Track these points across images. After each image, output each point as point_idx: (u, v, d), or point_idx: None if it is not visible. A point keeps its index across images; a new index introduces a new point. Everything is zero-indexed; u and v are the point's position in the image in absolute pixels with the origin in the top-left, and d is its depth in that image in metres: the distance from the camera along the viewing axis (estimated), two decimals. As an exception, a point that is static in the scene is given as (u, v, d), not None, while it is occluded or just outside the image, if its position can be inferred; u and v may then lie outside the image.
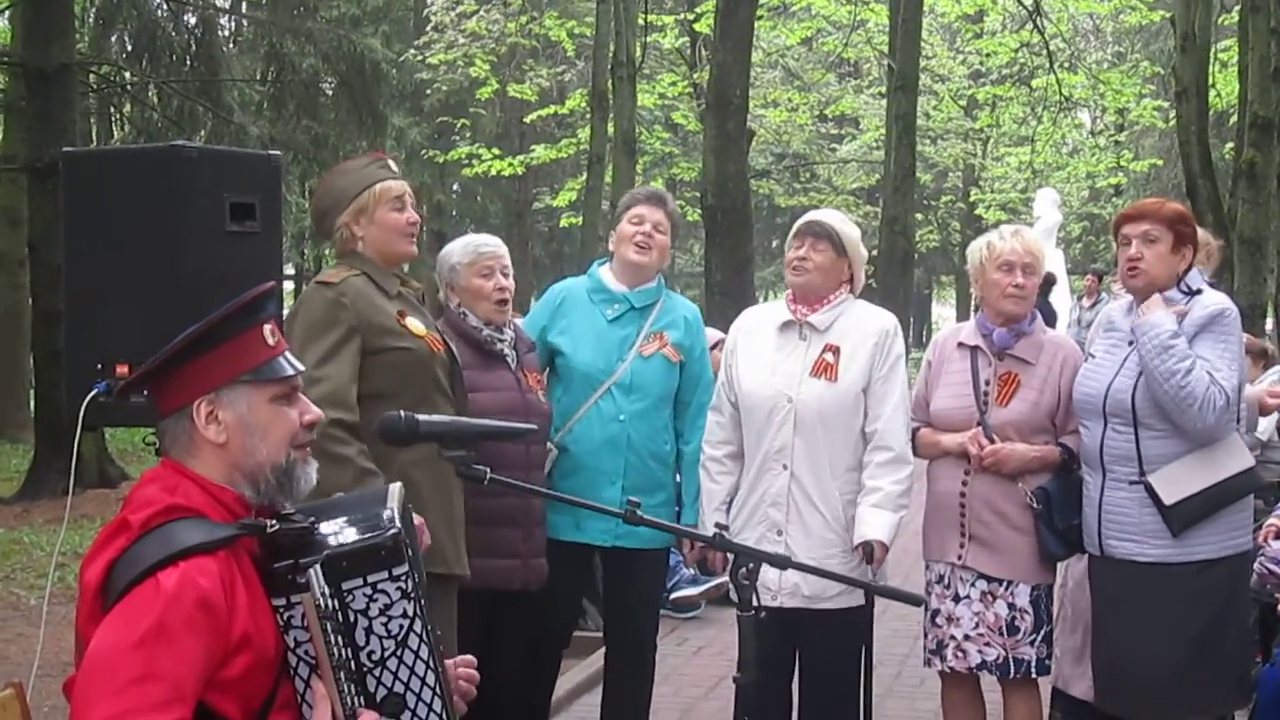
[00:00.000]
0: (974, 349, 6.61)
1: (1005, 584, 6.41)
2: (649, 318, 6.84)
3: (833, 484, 6.31)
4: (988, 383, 6.53)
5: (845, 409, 6.32)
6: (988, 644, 6.43)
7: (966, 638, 6.47)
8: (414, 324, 5.67)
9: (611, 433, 6.65)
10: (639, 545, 6.68)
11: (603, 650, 7.14)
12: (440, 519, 5.60)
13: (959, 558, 6.49)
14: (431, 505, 5.52)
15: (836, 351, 6.35)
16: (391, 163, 5.84)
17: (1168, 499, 5.91)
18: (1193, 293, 6.08)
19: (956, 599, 6.50)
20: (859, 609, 6.31)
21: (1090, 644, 6.39)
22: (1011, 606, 6.40)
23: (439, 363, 5.72)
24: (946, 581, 6.56)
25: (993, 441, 6.39)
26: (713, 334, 8.14)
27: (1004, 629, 6.41)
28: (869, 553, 6.20)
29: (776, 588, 6.20)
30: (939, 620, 6.56)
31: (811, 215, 6.62)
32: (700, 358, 6.99)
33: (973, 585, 6.47)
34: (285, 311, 5.80)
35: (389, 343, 5.54)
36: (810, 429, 6.31)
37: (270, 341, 3.43)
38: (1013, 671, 6.44)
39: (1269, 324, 15.53)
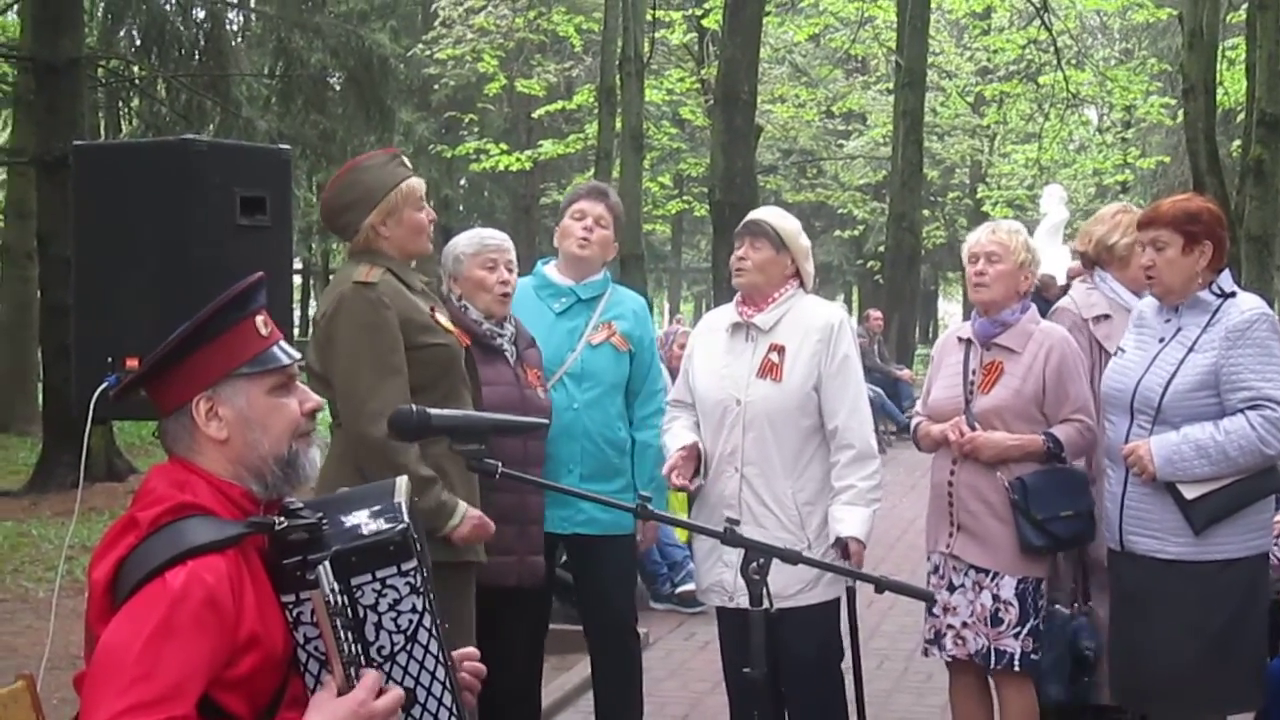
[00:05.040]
0: (968, 341, 6.66)
1: (991, 575, 6.42)
2: (596, 309, 6.89)
3: (785, 484, 6.30)
4: (974, 372, 6.58)
5: (792, 409, 6.31)
6: (976, 633, 6.45)
7: (964, 625, 6.49)
8: (444, 320, 5.73)
9: (566, 421, 6.66)
10: (600, 532, 6.74)
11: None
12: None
13: (948, 546, 6.53)
14: (460, 494, 5.55)
15: (781, 351, 6.35)
16: (405, 159, 5.82)
17: (1189, 494, 5.91)
18: (1226, 295, 6.04)
19: (951, 588, 6.52)
20: (825, 605, 6.35)
21: (1108, 639, 6.38)
22: (996, 598, 6.41)
23: (463, 357, 5.77)
24: (941, 571, 6.59)
25: (974, 429, 6.41)
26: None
27: (988, 619, 6.42)
28: (845, 550, 6.20)
29: (733, 588, 6.20)
30: (935, 610, 6.58)
31: (750, 215, 6.64)
32: (649, 347, 7.07)
33: (965, 574, 6.49)
34: (294, 305, 5.78)
35: (426, 339, 5.56)
36: (759, 430, 6.30)
37: (263, 332, 3.41)
38: (993, 663, 6.45)
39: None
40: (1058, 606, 6.58)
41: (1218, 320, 5.95)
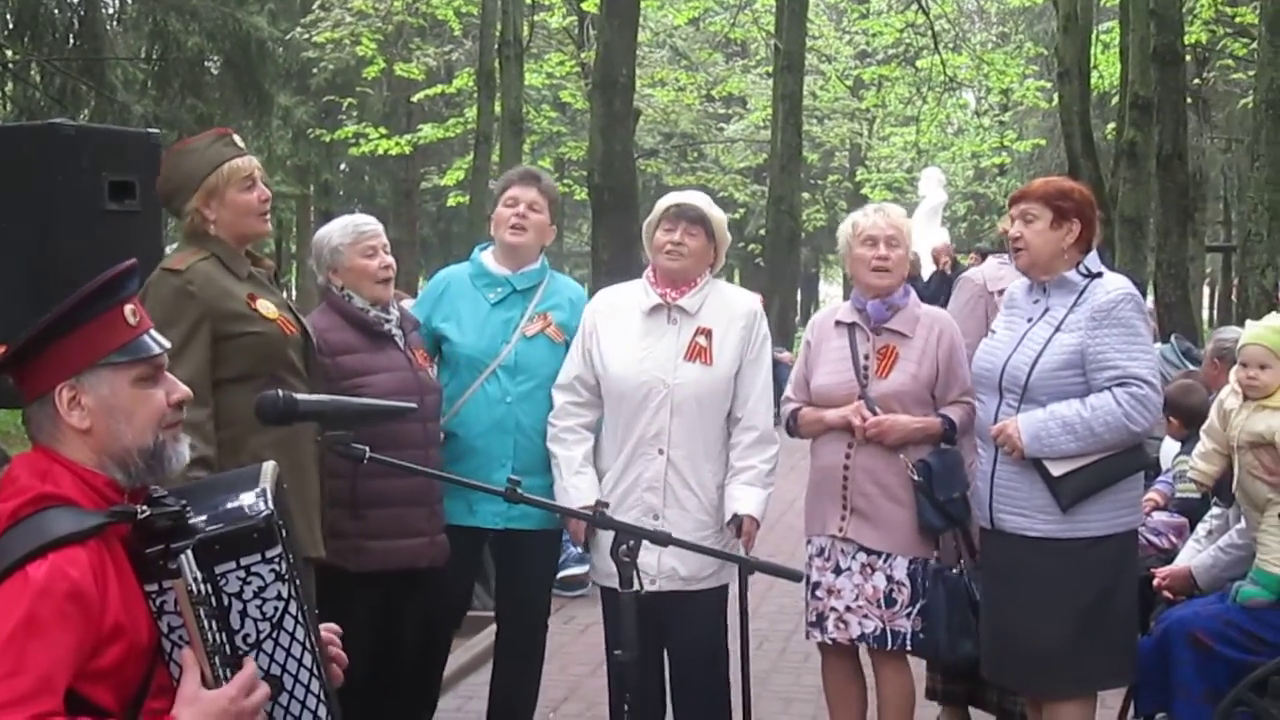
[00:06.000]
0: (851, 325, 6.65)
1: (884, 556, 6.44)
2: (532, 299, 6.76)
3: (706, 466, 6.35)
4: (867, 357, 6.57)
5: (719, 392, 6.36)
6: (866, 616, 6.47)
7: (848, 609, 6.50)
8: (265, 307, 5.54)
9: (499, 415, 6.59)
10: (531, 526, 6.65)
11: (490, 629, 7.12)
12: (294, 502, 5.58)
13: (840, 530, 6.52)
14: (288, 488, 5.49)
15: (709, 335, 6.38)
16: (237, 138, 5.65)
17: (1055, 470, 5.98)
18: (1093, 275, 6.13)
19: (837, 571, 6.53)
20: (724, 589, 6.39)
21: (979, 615, 6.44)
22: (889, 579, 6.44)
23: (292, 345, 5.60)
24: (827, 554, 6.59)
25: (875, 414, 6.44)
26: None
27: (881, 601, 6.45)
28: (739, 527, 6.26)
29: (655, 572, 6.18)
30: (819, 593, 6.59)
31: (681, 198, 6.59)
32: None
33: (853, 558, 6.50)
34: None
35: (240, 328, 5.41)
36: (688, 413, 6.32)
37: (131, 321, 3.37)
38: (890, 643, 6.47)
39: (1149, 301, 15.76)
40: (950, 570, 6.59)
41: (1084, 300, 6.04)
